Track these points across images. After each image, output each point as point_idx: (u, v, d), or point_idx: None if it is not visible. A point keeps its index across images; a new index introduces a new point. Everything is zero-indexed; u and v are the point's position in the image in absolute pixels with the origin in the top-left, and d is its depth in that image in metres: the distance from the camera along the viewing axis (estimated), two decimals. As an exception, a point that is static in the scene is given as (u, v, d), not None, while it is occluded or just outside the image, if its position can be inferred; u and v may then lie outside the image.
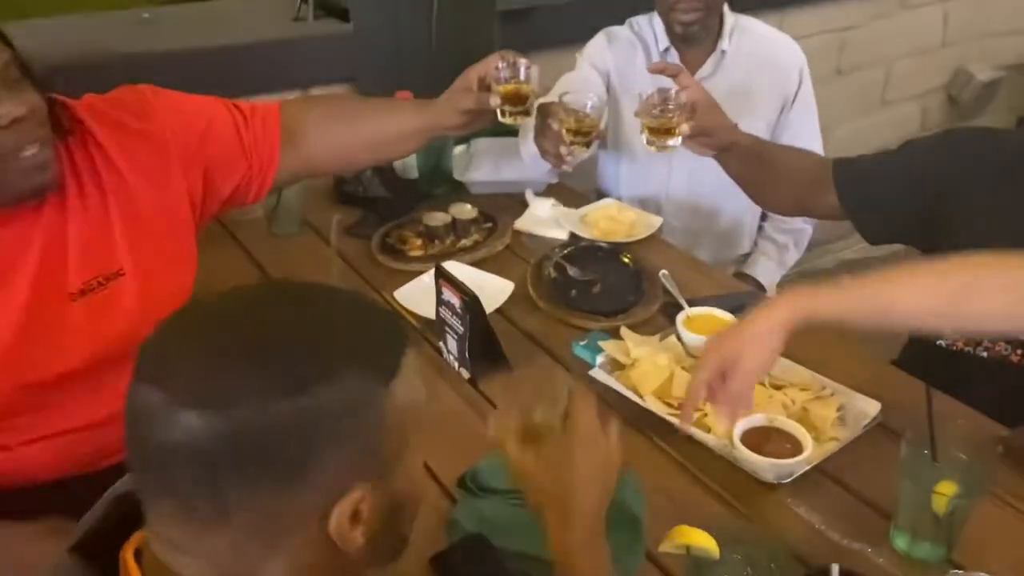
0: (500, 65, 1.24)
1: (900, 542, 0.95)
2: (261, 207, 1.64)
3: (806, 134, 1.78)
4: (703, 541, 0.79)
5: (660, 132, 1.31)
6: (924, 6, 2.82)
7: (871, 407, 1.11)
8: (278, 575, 0.57)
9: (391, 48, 1.95)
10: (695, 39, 1.72)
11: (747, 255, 1.89)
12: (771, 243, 1.87)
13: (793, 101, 1.79)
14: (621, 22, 1.84)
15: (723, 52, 1.74)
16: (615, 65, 1.80)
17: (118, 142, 1.11)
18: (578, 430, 0.79)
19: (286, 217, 1.67)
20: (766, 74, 1.77)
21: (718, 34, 1.74)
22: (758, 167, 1.40)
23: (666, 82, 1.34)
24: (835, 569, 0.86)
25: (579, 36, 1.88)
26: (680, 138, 1.30)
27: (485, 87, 1.25)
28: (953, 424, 0.96)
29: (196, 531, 0.55)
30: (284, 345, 0.56)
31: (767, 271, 1.82)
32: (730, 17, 1.76)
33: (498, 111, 1.25)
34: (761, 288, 1.79)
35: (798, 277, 2.13)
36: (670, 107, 1.30)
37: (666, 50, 1.76)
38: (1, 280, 1.04)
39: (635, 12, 1.83)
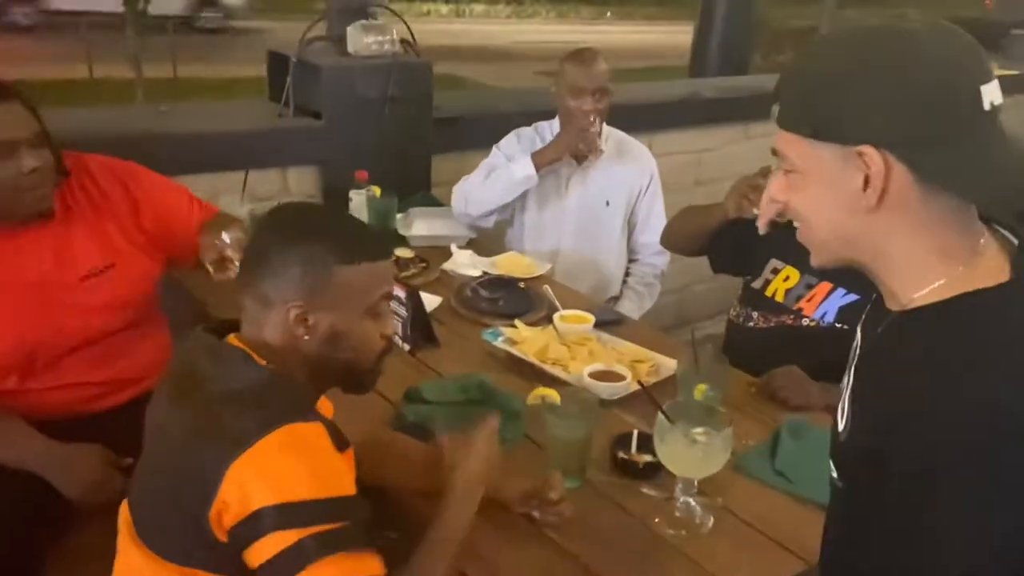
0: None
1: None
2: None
3: (655, 225, 2.44)
4: (551, 393, 1.35)
5: None
6: (763, 137, 3.64)
7: (672, 364, 1.70)
8: (271, 336, 1.02)
9: (352, 140, 2.55)
10: (595, 146, 2.34)
11: (616, 297, 2.51)
12: (633, 291, 2.49)
13: (647, 189, 2.46)
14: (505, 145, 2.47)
15: (599, 152, 2.41)
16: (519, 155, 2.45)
17: (109, 183, 1.66)
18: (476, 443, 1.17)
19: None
20: (628, 169, 2.44)
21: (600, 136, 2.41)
22: None
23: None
24: (635, 433, 1.43)
25: (495, 138, 2.54)
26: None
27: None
28: (706, 357, 1.56)
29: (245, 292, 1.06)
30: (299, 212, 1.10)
31: (628, 310, 2.42)
32: (604, 127, 2.43)
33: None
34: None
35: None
36: None
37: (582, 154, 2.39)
38: (21, 270, 1.56)
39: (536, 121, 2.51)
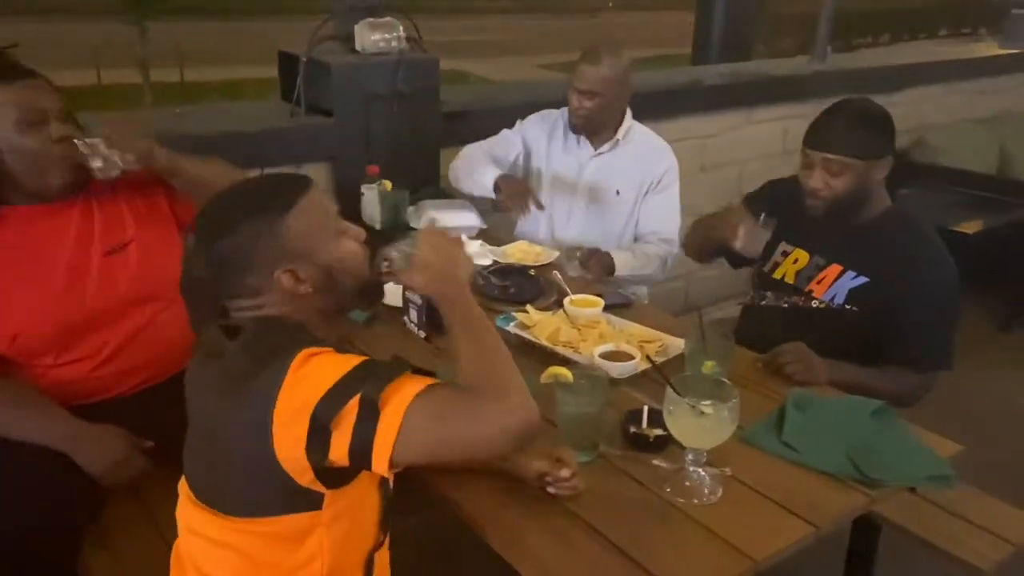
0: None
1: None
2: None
3: (667, 216, 2.49)
4: (564, 372, 1.41)
5: None
6: (766, 122, 3.69)
7: (679, 344, 1.75)
8: (279, 310, 1.08)
9: (362, 137, 2.61)
10: (589, 130, 2.44)
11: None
12: (628, 250, 2.45)
13: (657, 184, 2.50)
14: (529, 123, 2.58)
15: (617, 140, 2.47)
16: (535, 137, 2.52)
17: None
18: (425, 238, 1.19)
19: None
20: (642, 162, 2.49)
21: (616, 128, 2.47)
22: None
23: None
24: (645, 408, 1.48)
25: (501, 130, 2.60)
26: None
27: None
28: (713, 335, 1.61)
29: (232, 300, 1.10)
30: (211, 217, 1.11)
31: (619, 262, 2.34)
32: (628, 120, 2.49)
33: None
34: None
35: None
36: None
37: (574, 129, 2.48)
38: (50, 250, 1.63)
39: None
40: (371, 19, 2.59)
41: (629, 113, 2.51)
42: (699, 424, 1.28)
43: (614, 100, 2.42)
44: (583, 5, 15.59)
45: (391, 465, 0.99)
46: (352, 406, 0.97)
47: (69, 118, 1.61)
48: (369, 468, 1.00)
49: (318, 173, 2.61)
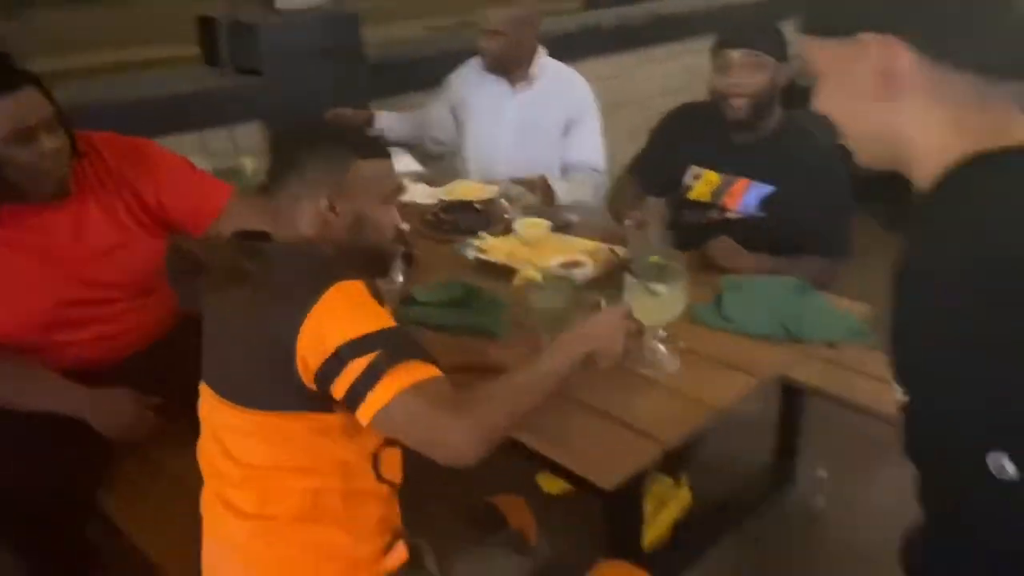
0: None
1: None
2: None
3: (591, 144, 2.69)
4: (534, 275, 1.59)
5: None
6: (665, 60, 3.92)
7: (621, 251, 1.95)
8: (306, 227, 1.22)
9: (292, 93, 2.69)
10: (501, 68, 2.60)
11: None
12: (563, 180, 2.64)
13: (577, 115, 2.68)
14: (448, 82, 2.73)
15: (532, 78, 2.63)
16: (456, 90, 2.67)
17: (116, 160, 1.77)
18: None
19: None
20: (559, 96, 2.67)
21: (530, 65, 2.63)
22: None
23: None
24: (602, 301, 1.67)
25: (426, 82, 2.73)
26: None
27: None
28: (653, 234, 1.82)
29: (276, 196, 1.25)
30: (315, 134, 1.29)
31: (560, 190, 2.52)
32: (541, 57, 2.65)
33: None
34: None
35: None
36: None
37: (488, 69, 2.62)
38: (46, 245, 1.68)
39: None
40: (291, -23, 2.66)
41: (542, 50, 2.67)
42: (654, 303, 1.48)
43: (523, 38, 2.57)
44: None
45: (371, 424, 1.11)
46: (363, 362, 1.09)
47: (58, 125, 1.62)
48: (356, 408, 1.12)
49: (251, 133, 2.68)
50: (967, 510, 0.84)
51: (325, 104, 2.70)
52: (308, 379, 1.12)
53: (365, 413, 1.10)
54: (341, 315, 1.11)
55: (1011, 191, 0.76)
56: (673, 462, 2.23)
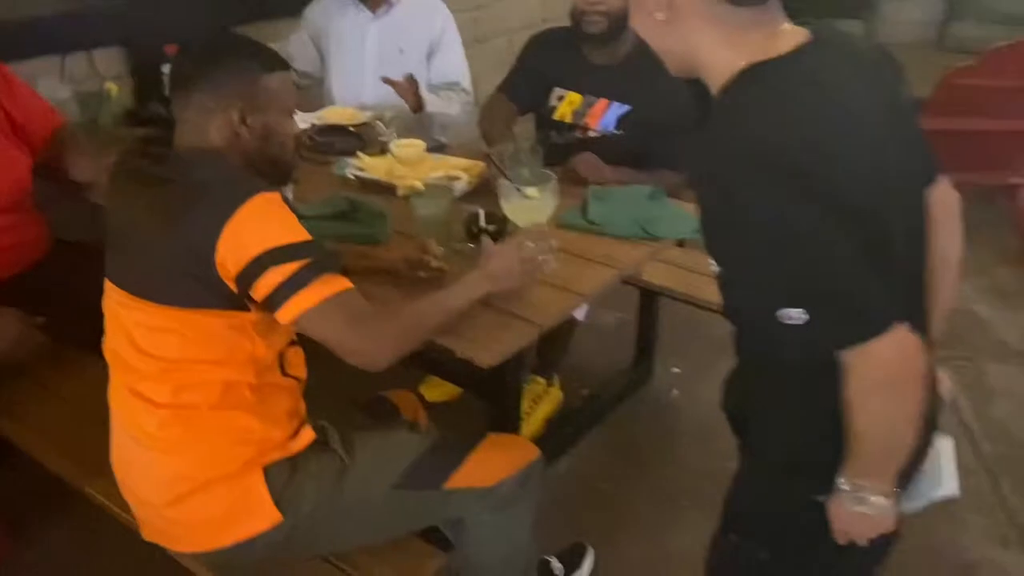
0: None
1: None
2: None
3: (454, 63, 2.78)
4: (417, 185, 1.71)
5: None
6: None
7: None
8: (216, 138, 1.28)
9: (150, 15, 2.62)
10: None
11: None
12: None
13: (439, 39, 2.77)
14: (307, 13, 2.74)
15: (391, 3, 2.67)
16: (314, 21, 2.70)
17: None
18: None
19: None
20: (418, 19, 2.73)
21: None
22: None
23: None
24: (480, 211, 1.82)
25: (294, 6, 2.73)
26: None
27: None
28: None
29: (184, 107, 1.30)
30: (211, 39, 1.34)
31: (431, 103, 2.60)
32: None
33: None
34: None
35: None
36: None
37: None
38: None
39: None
40: None
41: None
42: (529, 204, 1.64)
43: None
44: None
45: (292, 322, 1.23)
46: (293, 266, 1.19)
47: None
48: (272, 312, 1.22)
49: (112, 57, 2.60)
50: (770, 348, 1.06)
51: (190, 29, 2.66)
52: (227, 279, 1.21)
53: (287, 314, 1.21)
54: (264, 223, 1.20)
55: (766, 95, 0.94)
56: (546, 364, 2.44)
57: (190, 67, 1.30)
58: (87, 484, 1.57)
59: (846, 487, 1.05)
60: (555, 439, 2.31)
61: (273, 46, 2.56)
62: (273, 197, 1.22)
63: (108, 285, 1.32)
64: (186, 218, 1.20)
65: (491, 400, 1.75)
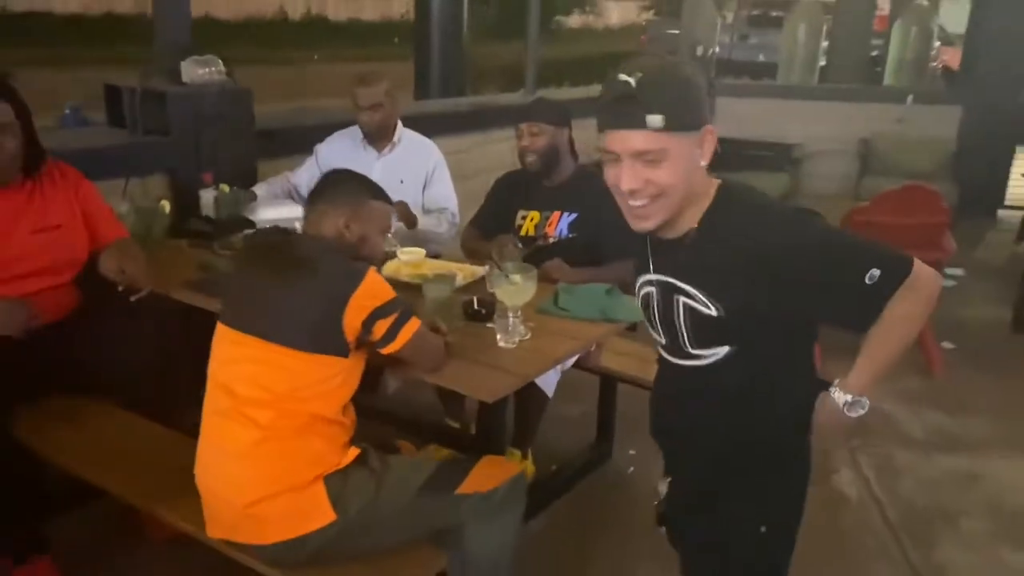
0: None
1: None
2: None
3: (444, 193, 3.34)
4: (427, 275, 2.19)
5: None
6: (500, 141, 4.72)
7: (482, 269, 2.59)
8: (327, 229, 1.81)
9: (194, 151, 3.16)
10: (380, 136, 3.21)
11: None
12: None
13: (432, 173, 3.34)
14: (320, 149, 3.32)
15: (394, 144, 3.26)
16: (326, 156, 3.25)
17: (73, 174, 2.37)
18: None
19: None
20: (416, 157, 3.32)
21: (393, 133, 3.27)
22: None
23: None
24: (475, 298, 2.29)
25: (304, 147, 3.29)
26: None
27: None
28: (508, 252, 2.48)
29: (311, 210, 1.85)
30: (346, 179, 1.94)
31: (423, 223, 3.17)
32: (400, 127, 3.29)
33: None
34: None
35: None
36: None
37: (365, 137, 3.24)
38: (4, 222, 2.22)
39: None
40: (195, 56, 3.17)
41: (399, 121, 3.32)
42: (513, 288, 2.12)
43: (392, 110, 3.21)
44: (287, 57, 16.17)
45: (397, 351, 1.78)
46: (391, 318, 1.75)
47: (17, 130, 2.17)
48: (384, 347, 1.76)
49: (160, 182, 3.10)
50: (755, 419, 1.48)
51: (222, 161, 3.20)
52: (348, 328, 1.69)
53: (394, 347, 1.77)
54: (377, 290, 1.73)
55: (748, 206, 1.35)
56: (522, 438, 2.85)
57: (323, 184, 1.87)
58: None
59: (852, 398, 1.35)
60: (528, 504, 2.68)
61: (278, 178, 3.16)
62: (375, 271, 1.76)
63: (222, 328, 1.77)
64: (326, 284, 1.70)
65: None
